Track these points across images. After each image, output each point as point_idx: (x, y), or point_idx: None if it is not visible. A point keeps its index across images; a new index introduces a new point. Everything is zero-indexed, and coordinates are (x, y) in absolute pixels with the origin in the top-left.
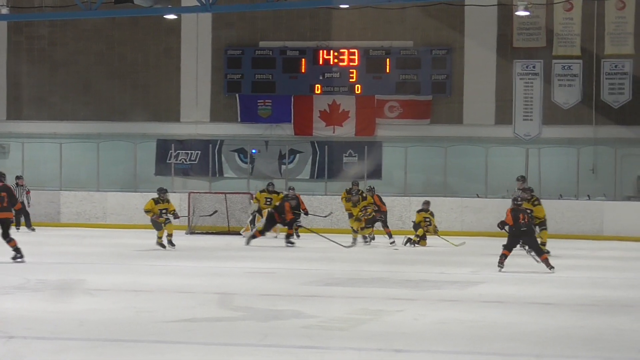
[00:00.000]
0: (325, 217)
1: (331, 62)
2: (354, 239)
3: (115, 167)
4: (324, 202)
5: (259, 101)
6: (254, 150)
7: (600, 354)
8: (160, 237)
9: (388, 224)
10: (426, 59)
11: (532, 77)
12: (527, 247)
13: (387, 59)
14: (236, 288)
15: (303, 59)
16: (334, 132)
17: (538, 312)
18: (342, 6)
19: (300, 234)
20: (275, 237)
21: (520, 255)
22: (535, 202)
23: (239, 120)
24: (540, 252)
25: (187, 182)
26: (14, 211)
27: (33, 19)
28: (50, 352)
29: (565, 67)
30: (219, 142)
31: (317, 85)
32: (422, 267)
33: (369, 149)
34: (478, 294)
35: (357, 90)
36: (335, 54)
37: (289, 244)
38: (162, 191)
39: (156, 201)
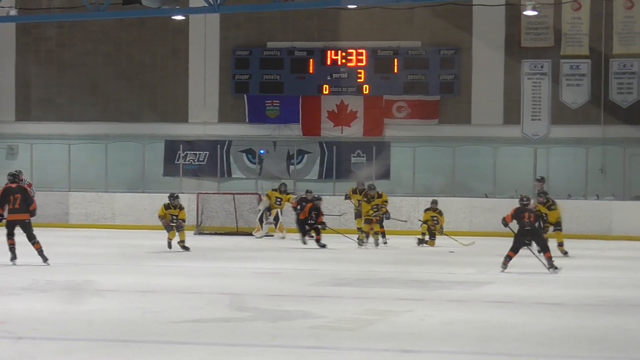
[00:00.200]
0: (340, 216)
1: (339, 63)
2: (362, 240)
3: (123, 168)
4: (333, 203)
5: (267, 102)
6: (262, 151)
7: (607, 354)
8: (170, 239)
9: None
10: (434, 59)
11: (540, 76)
12: (533, 249)
13: (395, 59)
14: (244, 288)
15: (311, 60)
16: (342, 133)
17: (545, 313)
18: (349, 6)
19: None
20: (283, 237)
21: (526, 256)
22: (552, 207)
23: (247, 120)
24: (546, 249)
25: (195, 183)
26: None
27: (41, 21)
28: (58, 352)
29: (574, 67)
30: (227, 142)
31: (325, 86)
32: (430, 267)
33: (377, 149)
34: (485, 294)
35: (365, 91)
36: (343, 54)
37: (321, 246)
38: (172, 197)
39: (167, 207)
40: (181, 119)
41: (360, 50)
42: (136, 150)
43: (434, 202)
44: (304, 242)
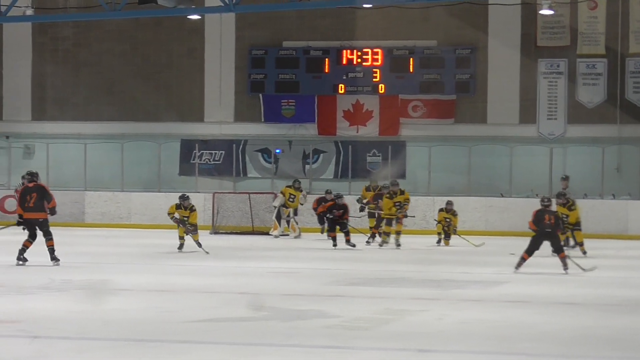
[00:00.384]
0: (360, 217)
1: (355, 62)
2: (385, 240)
3: (139, 167)
4: (348, 202)
5: (282, 101)
6: (277, 150)
7: (625, 354)
8: (181, 237)
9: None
10: (450, 58)
11: (556, 76)
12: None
13: (411, 59)
14: (260, 288)
15: (326, 59)
16: (357, 132)
17: (561, 312)
18: (365, 6)
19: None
20: (297, 236)
21: (543, 255)
22: (572, 207)
23: (263, 120)
24: (561, 250)
25: (211, 182)
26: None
27: (57, 20)
28: (74, 351)
29: (590, 66)
30: (242, 142)
31: (340, 85)
32: (445, 266)
33: (392, 148)
34: (501, 293)
35: (381, 90)
36: (359, 53)
37: (350, 246)
38: (183, 198)
39: (177, 207)
40: (197, 118)
41: (375, 50)
42: (152, 149)
43: (449, 203)
44: (323, 232)
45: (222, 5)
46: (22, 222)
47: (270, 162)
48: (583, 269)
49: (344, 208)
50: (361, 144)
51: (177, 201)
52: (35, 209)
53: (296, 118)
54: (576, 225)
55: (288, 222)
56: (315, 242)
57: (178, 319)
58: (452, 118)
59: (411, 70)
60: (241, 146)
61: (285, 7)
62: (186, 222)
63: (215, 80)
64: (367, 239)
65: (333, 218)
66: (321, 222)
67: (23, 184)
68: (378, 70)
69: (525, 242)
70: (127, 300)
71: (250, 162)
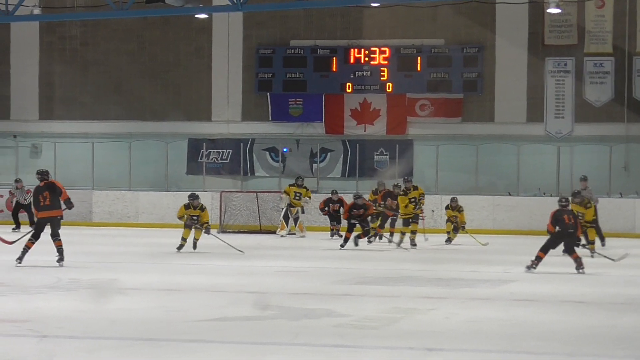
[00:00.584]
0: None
1: (362, 61)
2: (402, 240)
3: (146, 166)
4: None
5: (290, 100)
6: (285, 149)
7: (633, 352)
8: (184, 239)
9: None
10: (457, 57)
11: (563, 74)
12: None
13: (418, 57)
14: (267, 287)
15: (334, 58)
16: (365, 131)
17: (570, 311)
18: (373, 4)
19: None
20: (303, 236)
21: (551, 255)
22: (588, 205)
23: (270, 119)
24: (573, 251)
25: (218, 181)
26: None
27: (65, 19)
28: (82, 350)
29: (597, 65)
30: (250, 141)
31: (348, 84)
32: (454, 265)
33: (400, 147)
34: (510, 292)
35: (388, 89)
36: (366, 52)
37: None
38: (192, 197)
39: (186, 207)
40: (204, 117)
41: (383, 49)
42: (159, 148)
43: (453, 200)
44: (356, 244)
45: (230, 4)
46: (37, 223)
47: (277, 161)
48: (612, 259)
49: (365, 207)
50: (368, 143)
51: (186, 201)
52: (52, 207)
53: (304, 117)
54: (592, 223)
55: (295, 220)
56: (323, 242)
57: (185, 318)
58: (459, 117)
59: (419, 69)
60: (249, 145)
61: (292, 6)
62: (197, 222)
63: (222, 79)
64: (369, 238)
65: (354, 220)
66: (334, 221)
67: (17, 187)
68: (385, 69)
69: (532, 240)
70: (134, 300)
71: (258, 161)
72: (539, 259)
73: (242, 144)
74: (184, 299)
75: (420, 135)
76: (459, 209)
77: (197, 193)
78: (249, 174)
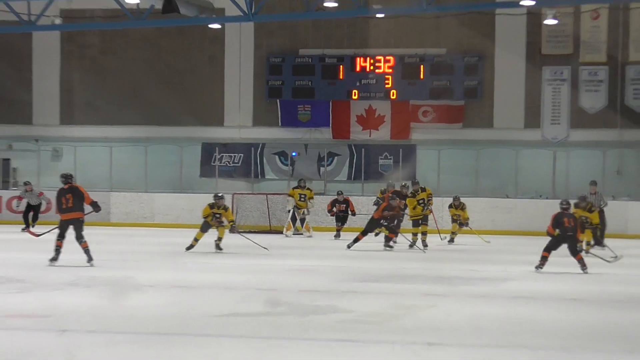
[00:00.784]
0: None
1: (368, 69)
2: (414, 241)
3: (162, 169)
4: (361, 203)
5: (299, 106)
6: (294, 153)
7: (631, 349)
8: (196, 239)
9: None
10: (459, 65)
11: (559, 82)
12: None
13: (422, 66)
14: (277, 284)
15: (341, 66)
16: (370, 136)
17: (568, 308)
18: (378, 15)
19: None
20: (310, 236)
21: (553, 255)
22: (592, 209)
23: (280, 124)
24: (576, 252)
25: (230, 184)
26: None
27: (84, 29)
28: (100, 344)
29: (592, 73)
30: (260, 145)
31: (354, 91)
32: (455, 264)
33: (404, 151)
34: (510, 290)
35: (393, 96)
36: (372, 61)
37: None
38: (217, 197)
39: (211, 206)
40: (217, 122)
41: (388, 57)
42: (174, 152)
43: (456, 199)
44: (388, 246)
45: (242, 15)
46: (60, 225)
47: (287, 165)
48: (607, 261)
49: (393, 208)
50: (373, 147)
51: (202, 202)
52: (74, 209)
53: (312, 122)
54: (599, 225)
55: (302, 221)
56: (331, 242)
57: (199, 314)
58: (460, 123)
59: (422, 77)
60: (259, 149)
61: (301, 17)
62: (222, 220)
63: (234, 87)
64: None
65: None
66: (340, 222)
67: (26, 190)
68: (390, 77)
69: (529, 240)
70: (149, 296)
71: (268, 164)
72: (544, 258)
73: (253, 148)
74: (197, 296)
75: (423, 140)
76: (462, 207)
77: (221, 193)
78: (259, 177)
